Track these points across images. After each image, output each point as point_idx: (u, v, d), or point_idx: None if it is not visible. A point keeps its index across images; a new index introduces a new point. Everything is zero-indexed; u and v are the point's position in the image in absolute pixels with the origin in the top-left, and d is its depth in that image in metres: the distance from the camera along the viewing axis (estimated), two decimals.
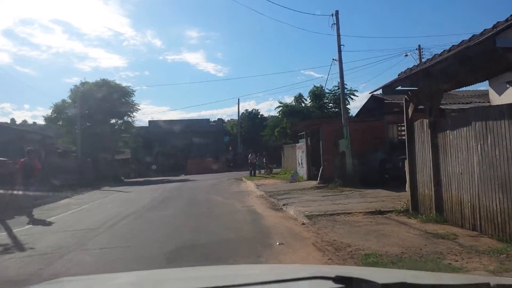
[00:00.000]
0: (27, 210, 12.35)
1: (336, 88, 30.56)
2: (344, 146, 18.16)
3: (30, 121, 62.58)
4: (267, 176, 28.55)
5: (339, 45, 18.73)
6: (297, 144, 24.63)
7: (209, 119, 52.79)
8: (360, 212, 10.64)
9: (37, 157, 15.19)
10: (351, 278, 1.39)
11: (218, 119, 56.60)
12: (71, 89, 40.62)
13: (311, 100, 30.13)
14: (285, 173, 28.21)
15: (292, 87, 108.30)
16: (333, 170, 18.63)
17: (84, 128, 41.02)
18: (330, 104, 30.56)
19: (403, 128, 20.41)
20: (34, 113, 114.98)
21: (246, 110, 52.36)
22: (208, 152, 47.69)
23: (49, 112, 40.20)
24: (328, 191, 16.47)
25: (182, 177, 38.23)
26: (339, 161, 18.58)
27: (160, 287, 2.09)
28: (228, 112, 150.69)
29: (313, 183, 19.67)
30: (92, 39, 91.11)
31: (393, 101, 22.02)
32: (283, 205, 13.35)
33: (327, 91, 31.03)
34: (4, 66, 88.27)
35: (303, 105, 30.62)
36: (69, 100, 40.32)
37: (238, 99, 56.31)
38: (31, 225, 11.31)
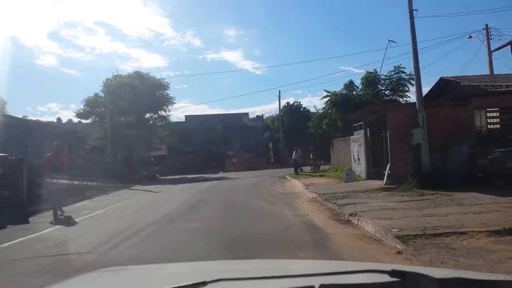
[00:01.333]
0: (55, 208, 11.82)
1: (393, 73, 26.58)
2: (420, 137, 14.35)
3: (75, 120, 62.54)
4: (314, 174, 25.01)
5: (411, 11, 14.88)
6: (351, 137, 20.91)
7: (248, 113, 49.73)
8: (480, 232, 7.00)
9: (63, 151, 14.34)
10: (406, 272, 1.39)
11: (257, 116, 53.33)
12: (103, 82, 38.56)
13: (364, 87, 26.23)
14: (336, 171, 24.55)
15: (335, 79, 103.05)
16: (403, 167, 14.86)
17: (116, 123, 39.07)
18: (387, 92, 26.55)
19: (494, 114, 16.44)
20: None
21: (288, 103, 48.80)
22: (248, 148, 44.63)
23: (82, 106, 38.35)
24: (402, 195, 12.80)
25: (220, 174, 35.35)
26: (412, 156, 14.78)
27: (212, 277, 1.68)
28: (267, 109, 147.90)
29: (376, 183, 16.00)
30: (134, 40, 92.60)
31: (472, 84, 17.93)
32: (351, 214, 9.88)
33: (382, 77, 27.07)
34: (51, 68, 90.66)
35: (354, 93, 26.76)
36: (102, 94, 38.29)
37: (279, 90, 52.17)
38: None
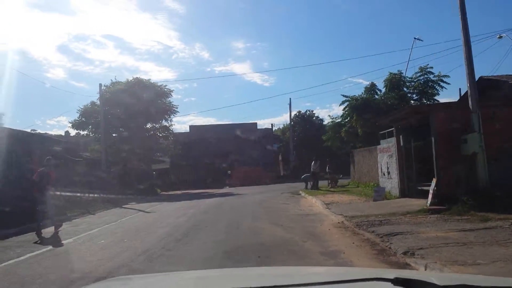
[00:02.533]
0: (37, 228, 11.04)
1: (419, 74, 23.54)
2: (476, 144, 11.27)
3: (83, 133, 60.56)
4: (332, 190, 21.91)
5: None
6: (378, 147, 17.82)
7: (256, 123, 46.68)
8: None
9: (54, 166, 12.85)
10: (410, 280, 1.38)
11: (266, 128, 50.05)
12: (100, 91, 35.91)
13: (388, 90, 23.17)
14: (357, 186, 21.42)
15: (345, 89, 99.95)
16: (454, 183, 11.77)
17: (113, 133, 36.37)
18: (413, 95, 23.52)
19: None
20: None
21: (299, 112, 45.66)
22: (256, 161, 41.60)
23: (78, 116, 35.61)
24: (459, 220, 9.77)
25: (226, 189, 32.31)
26: (465, 168, 11.68)
27: (223, 285, 2.02)
28: (276, 122, 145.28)
29: (415, 202, 12.91)
30: (142, 53, 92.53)
31: None
32: (406, 253, 6.89)
33: (407, 79, 24.07)
34: (60, 81, 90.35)
35: (377, 97, 23.71)
36: (98, 102, 35.61)
37: (290, 98, 48.67)
38: None
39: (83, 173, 26.18)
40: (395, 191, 15.57)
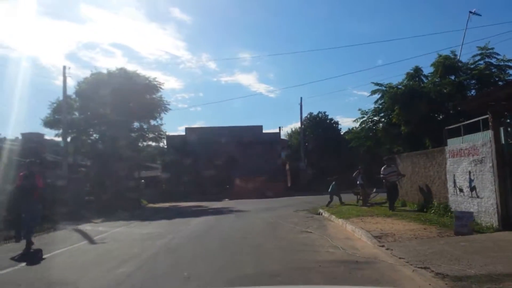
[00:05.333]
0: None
1: (479, 57, 17.67)
2: None
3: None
4: (366, 209, 15.99)
5: None
6: (449, 148, 11.84)
7: (261, 126, 40.72)
8: None
9: (40, 172, 11.23)
10: None
11: (272, 133, 43.80)
12: (78, 83, 30.28)
13: (440, 76, 17.21)
14: (404, 205, 15.43)
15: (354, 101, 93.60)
16: None
17: (90, 134, 30.66)
18: (472, 82, 17.60)
19: None
20: None
21: (310, 113, 39.53)
22: (261, 169, 35.58)
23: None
24: None
25: (224, 203, 26.39)
26: None
27: None
28: (284, 132, 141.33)
29: None
30: (150, 62, 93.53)
31: None
32: None
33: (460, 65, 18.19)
34: (68, 88, 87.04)
35: (427, 83, 17.71)
36: (75, 97, 29.97)
37: (301, 97, 41.82)
38: None
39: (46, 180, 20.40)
40: (489, 218, 9.62)
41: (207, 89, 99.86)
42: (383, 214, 13.65)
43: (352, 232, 10.98)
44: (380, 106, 18.19)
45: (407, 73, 17.92)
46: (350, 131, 23.30)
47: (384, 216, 13.15)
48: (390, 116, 16.87)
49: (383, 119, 18.28)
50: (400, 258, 7.41)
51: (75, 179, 22.65)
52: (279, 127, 43.23)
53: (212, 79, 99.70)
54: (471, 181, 10.38)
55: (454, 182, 11.28)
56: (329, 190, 18.38)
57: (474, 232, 9.25)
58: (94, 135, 30.93)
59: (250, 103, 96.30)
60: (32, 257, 8.93)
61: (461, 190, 10.94)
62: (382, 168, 14.51)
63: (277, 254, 8.28)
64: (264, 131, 40.80)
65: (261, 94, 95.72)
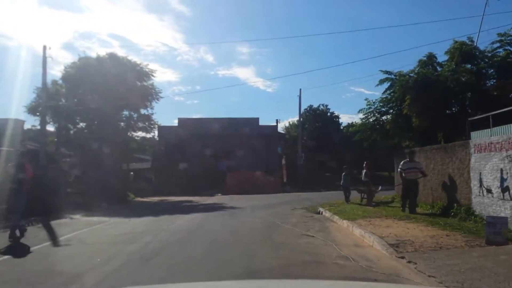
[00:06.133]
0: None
1: (498, 44, 16.10)
2: None
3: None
4: (371, 208, 14.47)
5: None
6: (474, 142, 10.28)
7: (258, 118, 39.01)
8: None
9: (31, 161, 11.45)
10: None
11: (269, 126, 41.61)
12: (65, 67, 28.50)
13: (456, 64, 15.60)
14: (415, 206, 13.86)
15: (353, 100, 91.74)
16: None
17: (84, 123, 28.98)
18: (491, 71, 16.04)
19: None
20: None
21: (310, 106, 37.80)
22: (256, 163, 33.98)
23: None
24: None
25: (217, 198, 24.85)
26: None
27: None
28: (281, 125, 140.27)
29: None
30: (148, 53, 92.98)
31: None
32: None
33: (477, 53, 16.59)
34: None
35: (443, 70, 16.05)
36: (61, 82, 28.20)
37: (300, 89, 40.04)
38: None
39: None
40: None
41: (204, 82, 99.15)
42: (393, 215, 12.09)
43: (361, 238, 9.41)
44: (389, 96, 16.57)
45: (420, 60, 16.30)
46: (352, 124, 21.68)
47: (394, 218, 11.59)
48: (401, 107, 15.26)
49: (391, 111, 16.67)
50: (429, 276, 5.90)
51: (55, 170, 20.93)
52: (277, 120, 41.41)
53: (210, 72, 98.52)
54: (503, 180, 8.82)
55: (480, 181, 9.72)
56: (342, 182, 16.63)
57: (509, 242, 7.73)
58: (81, 124, 29.23)
59: (247, 97, 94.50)
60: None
61: (489, 191, 9.39)
62: (402, 162, 12.87)
63: (276, 268, 6.69)
64: (260, 124, 39.15)
65: (258, 88, 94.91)
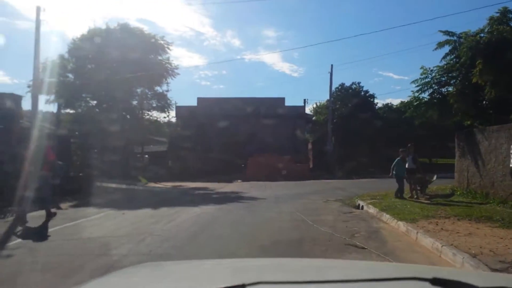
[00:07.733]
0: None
1: None
2: None
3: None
4: (429, 202, 11.35)
5: None
6: None
7: (284, 98, 35.82)
8: None
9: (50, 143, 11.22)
10: (448, 281, 1.29)
11: (296, 106, 37.73)
12: (73, 39, 26.03)
13: None
14: (486, 200, 10.65)
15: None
16: None
17: (94, 101, 26.59)
18: None
19: None
20: None
21: (342, 84, 34.25)
22: (281, 147, 30.98)
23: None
24: None
25: (235, 185, 22.09)
26: None
27: (261, 275, 1.80)
28: (309, 108, 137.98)
29: None
30: (175, 38, 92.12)
31: None
32: None
33: None
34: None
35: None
36: (68, 57, 25.78)
37: (331, 65, 36.46)
38: None
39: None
40: None
41: (230, 67, 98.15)
42: (466, 215, 8.91)
43: (435, 252, 6.36)
44: (452, 63, 13.12)
45: (491, 18, 12.73)
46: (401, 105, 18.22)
47: (470, 220, 8.43)
48: (469, 75, 11.86)
49: (454, 80, 13.24)
50: None
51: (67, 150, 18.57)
52: (304, 100, 37.96)
53: (236, 57, 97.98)
54: None
55: None
56: (393, 172, 13.02)
57: None
58: (91, 102, 26.88)
59: (273, 82, 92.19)
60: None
61: None
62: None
63: None
64: (286, 104, 36.00)
65: (284, 73, 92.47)
